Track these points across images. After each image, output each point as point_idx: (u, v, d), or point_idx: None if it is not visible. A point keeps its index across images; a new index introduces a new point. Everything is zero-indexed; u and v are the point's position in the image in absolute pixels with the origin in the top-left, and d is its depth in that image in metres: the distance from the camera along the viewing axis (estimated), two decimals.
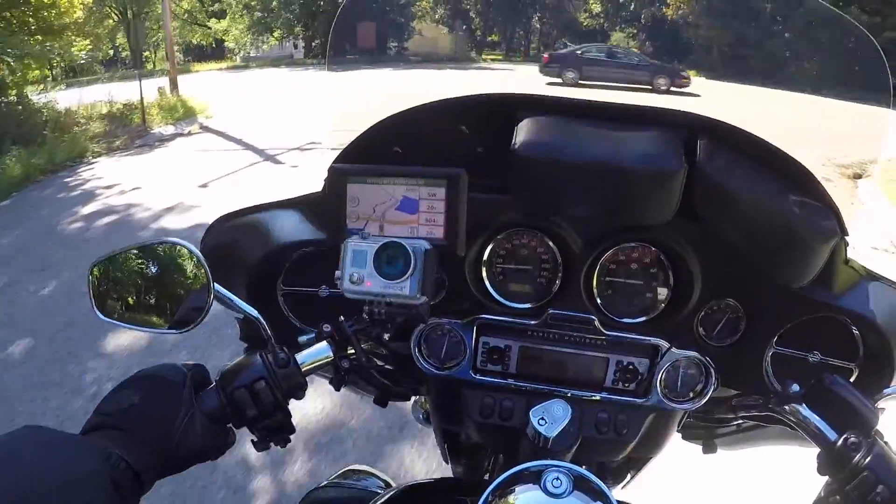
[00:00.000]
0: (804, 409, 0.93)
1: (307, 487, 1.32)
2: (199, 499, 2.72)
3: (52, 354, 4.07)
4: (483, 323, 1.05)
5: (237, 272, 1.08)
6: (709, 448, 1.26)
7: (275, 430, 0.87)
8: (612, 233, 1.01)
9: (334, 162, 0.97)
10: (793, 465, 1.40)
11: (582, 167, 0.90)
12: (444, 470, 1.45)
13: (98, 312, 0.91)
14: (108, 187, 8.70)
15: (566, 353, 1.05)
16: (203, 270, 0.87)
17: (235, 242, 1.11)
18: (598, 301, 1.05)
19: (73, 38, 14.92)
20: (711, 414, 1.13)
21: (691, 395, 1.05)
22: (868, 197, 6.28)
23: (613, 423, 1.03)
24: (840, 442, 0.86)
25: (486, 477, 1.32)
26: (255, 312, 0.92)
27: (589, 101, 0.97)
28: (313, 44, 37.51)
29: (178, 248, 0.90)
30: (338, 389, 0.98)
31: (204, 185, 8.44)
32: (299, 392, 0.89)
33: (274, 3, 38.93)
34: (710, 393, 1.04)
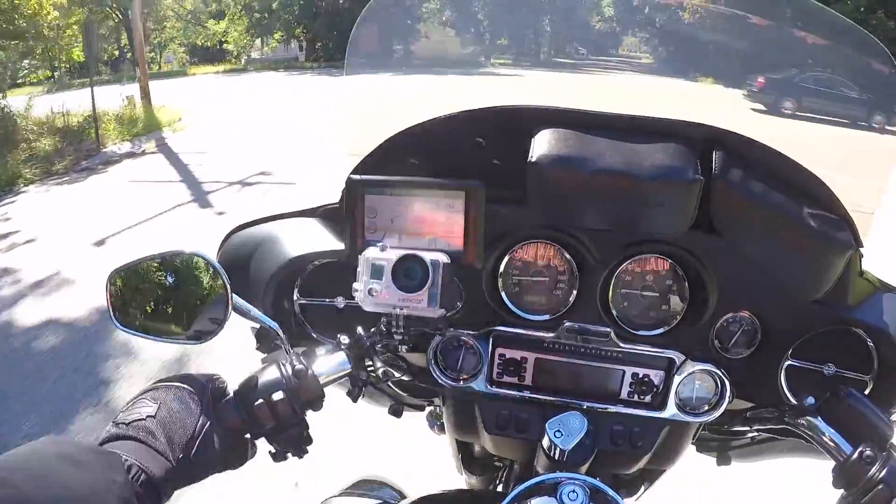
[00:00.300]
0: (819, 422, 0.96)
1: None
2: None
3: None
4: (499, 335, 1.07)
5: (254, 282, 1.11)
6: (723, 460, 1.28)
7: (293, 442, 0.89)
8: (627, 245, 1.03)
9: (352, 173, 0.99)
10: (808, 478, 1.42)
11: (598, 179, 0.92)
12: (456, 479, 1.47)
13: (116, 322, 0.92)
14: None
15: (582, 364, 1.07)
16: (221, 282, 0.89)
17: (252, 252, 1.13)
18: (614, 313, 1.07)
19: (34, 41, 14.28)
20: (726, 426, 1.14)
21: (706, 407, 1.07)
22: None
23: (629, 436, 1.05)
24: (855, 455, 0.88)
25: (501, 489, 1.35)
26: (273, 324, 0.95)
27: (604, 113, 0.99)
28: (317, 45, 37.51)
29: (196, 259, 0.92)
30: (355, 401, 1.00)
31: (100, 243, 6.87)
32: (317, 404, 0.91)
33: (274, 3, 38.90)
34: (725, 405, 1.06)
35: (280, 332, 0.94)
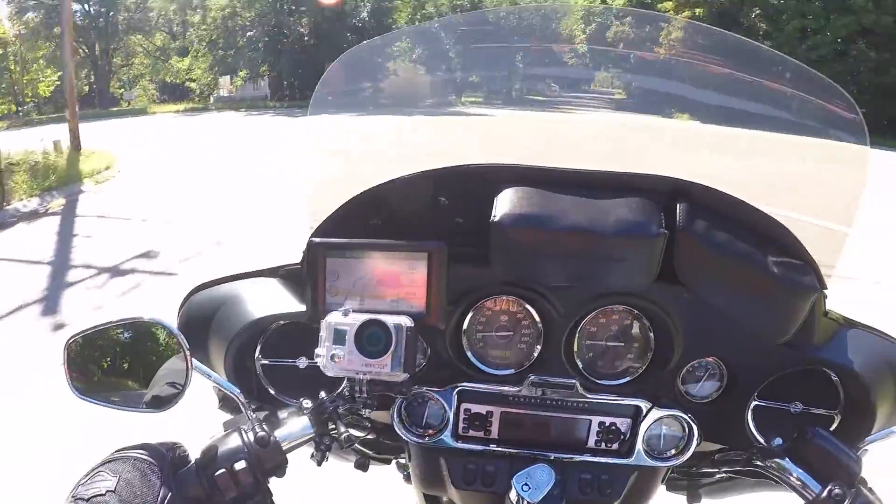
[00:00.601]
0: (787, 463, 0.99)
1: None
2: None
3: None
4: (464, 390, 1.09)
5: (215, 343, 1.12)
6: (693, 498, 1.30)
7: None
8: (592, 298, 1.06)
9: (312, 236, 1.00)
10: None
11: (562, 238, 0.95)
12: None
13: (74, 390, 0.93)
14: None
15: (548, 416, 1.09)
16: (181, 350, 0.90)
17: (214, 313, 1.14)
18: (579, 364, 1.09)
19: None
20: (695, 468, 1.17)
21: (674, 451, 1.09)
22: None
23: (597, 484, 1.07)
24: (825, 494, 0.91)
25: None
26: (235, 389, 0.96)
27: (567, 170, 1.02)
28: (284, 84, 37.46)
29: (156, 325, 0.93)
30: (319, 465, 1.00)
31: None
32: (280, 470, 0.92)
33: (240, 40, 38.77)
34: (693, 449, 1.08)
35: (241, 398, 0.95)
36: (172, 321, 0.97)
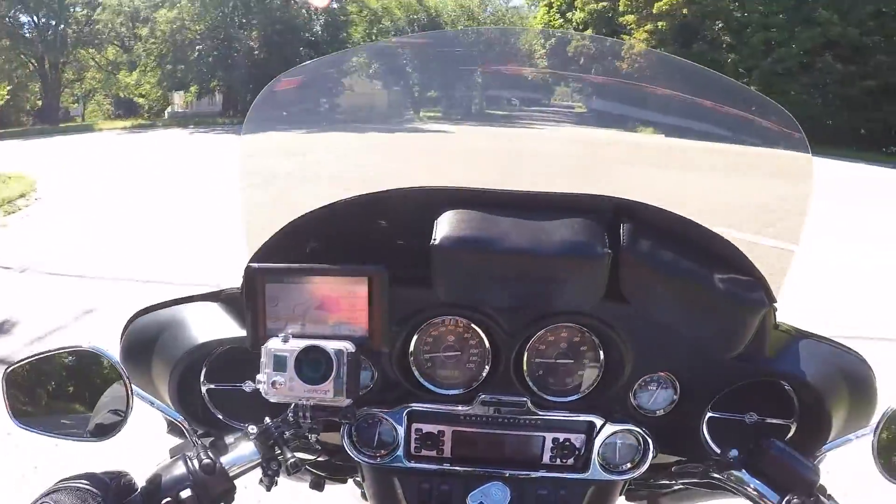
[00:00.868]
0: (744, 475, 1.01)
1: None
2: None
3: None
4: (414, 410, 1.10)
5: (159, 368, 1.11)
6: None
7: None
8: (539, 317, 1.07)
9: (250, 261, 1.00)
10: None
11: (504, 260, 0.97)
12: None
13: (14, 420, 0.93)
14: None
15: (501, 434, 1.11)
16: (121, 378, 0.90)
17: (156, 337, 1.14)
18: (529, 382, 1.11)
19: None
20: (653, 480, 1.19)
21: (630, 465, 1.11)
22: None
23: (554, 500, 1.09)
24: None
25: None
26: (178, 416, 0.96)
27: (509, 191, 1.04)
28: (237, 98, 36.87)
29: (95, 353, 0.93)
30: (269, 489, 1.00)
31: None
32: (228, 497, 0.92)
33: (189, 54, 37.91)
34: (649, 462, 1.11)
35: (185, 425, 0.95)
36: (115, 346, 0.96)
